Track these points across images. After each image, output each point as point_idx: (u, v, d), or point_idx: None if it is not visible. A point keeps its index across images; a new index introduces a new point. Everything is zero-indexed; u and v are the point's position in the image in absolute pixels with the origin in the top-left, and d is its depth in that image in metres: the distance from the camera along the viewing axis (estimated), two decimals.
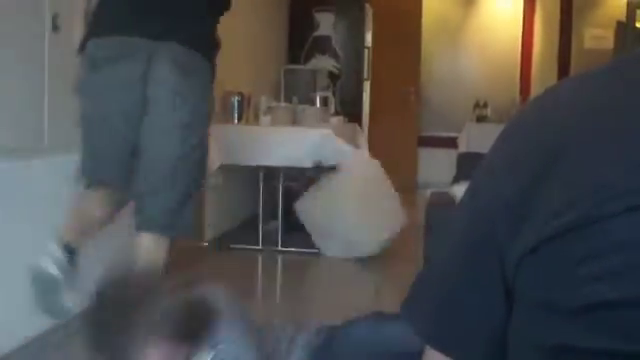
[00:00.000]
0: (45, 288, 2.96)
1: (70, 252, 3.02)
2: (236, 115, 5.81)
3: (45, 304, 2.97)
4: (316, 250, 5.73)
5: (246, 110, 5.92)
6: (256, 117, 6.02)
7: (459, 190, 3.62)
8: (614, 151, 0.74)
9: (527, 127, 0.84)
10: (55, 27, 3.42)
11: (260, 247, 5.76)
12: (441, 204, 3.60)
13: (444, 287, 0.88)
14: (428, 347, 0.90)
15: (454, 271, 0.87)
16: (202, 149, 3.04)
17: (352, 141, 6.21)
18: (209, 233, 5.64)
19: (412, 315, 0.93)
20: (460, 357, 0.87)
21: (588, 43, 9.99)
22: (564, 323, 0.74)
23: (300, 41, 8.06)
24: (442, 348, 0.88)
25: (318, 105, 6.43)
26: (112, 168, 2.97)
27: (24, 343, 3.26)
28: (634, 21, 9.47)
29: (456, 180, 4.54)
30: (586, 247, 0.72)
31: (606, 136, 0.76)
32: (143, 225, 2.89)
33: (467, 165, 4.96)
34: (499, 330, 0.83)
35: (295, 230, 6.28)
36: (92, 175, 3.01)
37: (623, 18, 9.42)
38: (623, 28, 9.42)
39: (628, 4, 9.36)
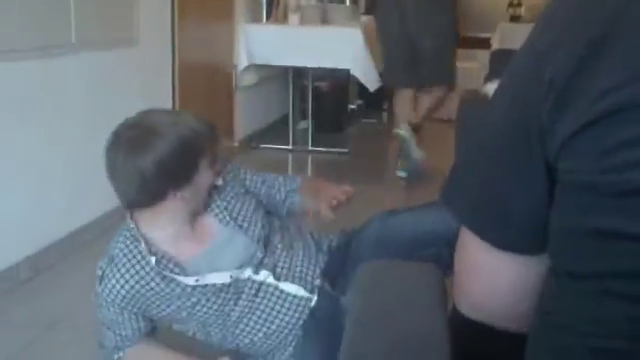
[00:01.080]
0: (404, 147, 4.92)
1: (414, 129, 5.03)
2: (265, 13, 5.74)
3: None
4: (345, 150, 5.74)
5: (275, 8, 5.83)
6: (285, 16, 5.93)
7: (492, 88, 3.56)
8: None
9: (571, 6, 0.80)
10: None
11: (290, 147, 5.77)
12: (473, 101, 3.55)
13: (484, 171, 0.87)
14: (465, 231, 0.89)
15: (494, 155, 0.85)
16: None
17: None
18: (240, 133, 5.64)
19: (451, 199, 0.92)
20: (498, 242, 0.86)
21: None
22: (604, 207, 0.72)
23: None
24: (480, 232, 0.87)
25: (348, 3, 6.31)
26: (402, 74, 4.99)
27: (61, 238, 3.33)
28: None
29: (488, 79, 4.47)
30: (630, 132, 0.70)
31: None
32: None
33: (500, 62, 4.87)
34: (538, 215, 0.81)
35: (325, 130, 6.29)
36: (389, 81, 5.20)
37: None
38: None
39: None
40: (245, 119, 5.77)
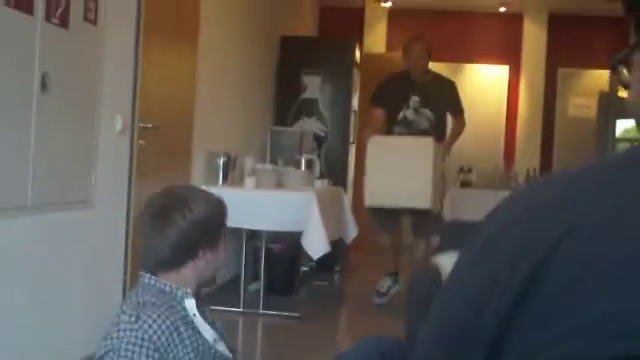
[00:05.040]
0: None
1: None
2: (221, 176, 5.81)
3: None
4: (297, 314, 5.69)
5: (231, 171, 5.91)
6: (241, 178, 6.01)
7: (444, 260, 3.59)
8: (612, 284, 0.69)
9: (509, 239, 0.78)
10: (44, 86, 3.41)
11: (241, 309, 5.70)
12: (425, 274, 3.56)
13: None
14: None
15: None
16: None
17: (336, 204, 6.20)
18: None
19: None
20: None
21: (572, 111, 10.12)
22: None
23: (287, 103, 8.09)
24: None
25: (303, 168, 6.43)
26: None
27: None
28: (616, 91, 9.60)
29: (440, 249, 4.52)
30: None
31: (604, 263, 0.70)
32: None
33: (452, 235, 4.94)
34: None
35: (276, 292, 6.25)
36: None
37: (606, 88, 9.56)
38: (606, 97, 9.55)
39: (611, 75, 9.50)
40: None
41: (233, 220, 5.36)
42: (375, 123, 6.23)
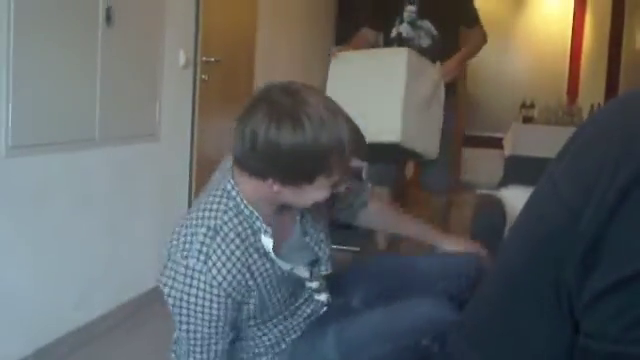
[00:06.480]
0: None
1: None
2: None
3: None
4: (357, 248, 5.73)
5: None
6: None
7: (506, 194, 3.58)
8: None
9: (608, 141, 0.75)
10: (108, 19, 3.44)
11: None
12: (489, 206, 3.56)
13: (508, 320, 0.84)
14: None
15: (518, 305, 0.82)
16: None
17: None
18: None
19: (482, 346, 0.90)
20: None
21: None
22: None
23: (349, 36, 8.01)
24: None
25: None
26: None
27: (70, 332, 3.31)
28: None
29: (503, 184, 4.48)
30: None
31: None
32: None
33: (514, 169, 4.90)
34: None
35: (338, 227, 6.28)
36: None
37: None
38: None
39: None
40: None
41: None
42: (355, 45, 4.49)
